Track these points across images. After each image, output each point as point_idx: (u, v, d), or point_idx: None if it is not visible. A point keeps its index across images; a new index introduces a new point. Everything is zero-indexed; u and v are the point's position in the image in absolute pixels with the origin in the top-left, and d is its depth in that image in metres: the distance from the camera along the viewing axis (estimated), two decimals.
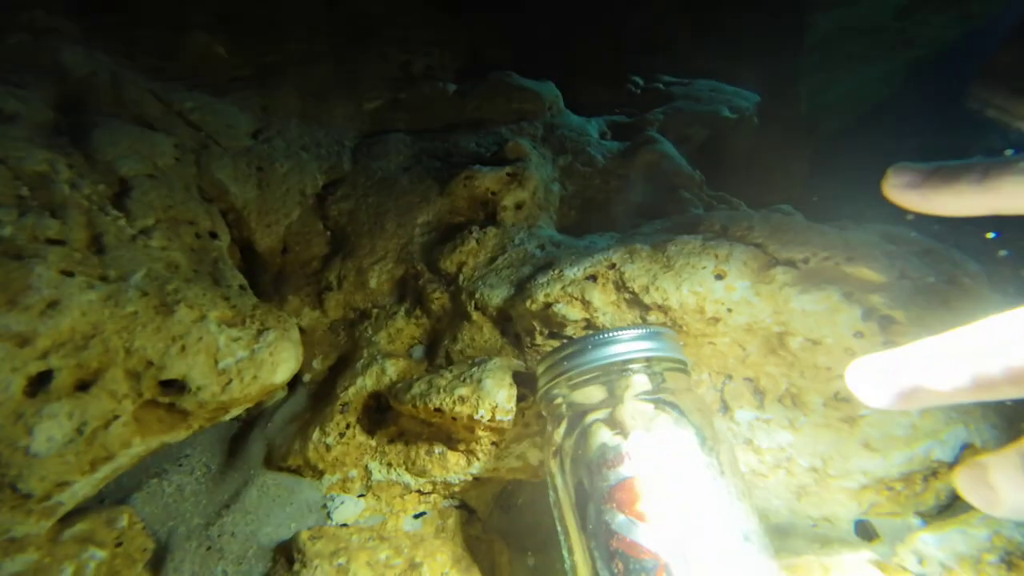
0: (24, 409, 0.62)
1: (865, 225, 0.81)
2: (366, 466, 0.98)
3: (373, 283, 1.13)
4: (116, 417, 0.70)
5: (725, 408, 0.78)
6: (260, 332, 0.87)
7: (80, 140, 0.87)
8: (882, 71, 2.53)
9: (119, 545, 0.76)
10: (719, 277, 0.78)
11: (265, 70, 1.44)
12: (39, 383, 0.65)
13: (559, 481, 0.69)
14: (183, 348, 0.75)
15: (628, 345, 0.66)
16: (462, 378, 0.92)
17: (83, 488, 0.71)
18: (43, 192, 0.73)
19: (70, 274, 0.67)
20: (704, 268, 0.79)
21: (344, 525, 0.88)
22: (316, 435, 0.94)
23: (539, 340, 0.97)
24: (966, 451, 0.65)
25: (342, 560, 0.76)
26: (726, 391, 0.78)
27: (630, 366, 0.65)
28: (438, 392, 0.89)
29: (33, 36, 1.07)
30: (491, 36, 1.98)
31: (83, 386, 0.68)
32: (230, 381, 0.81)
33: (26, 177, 0.73)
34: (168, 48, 1.30)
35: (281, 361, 0.88)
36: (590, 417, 0.67)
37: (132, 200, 0.84)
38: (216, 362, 0.80)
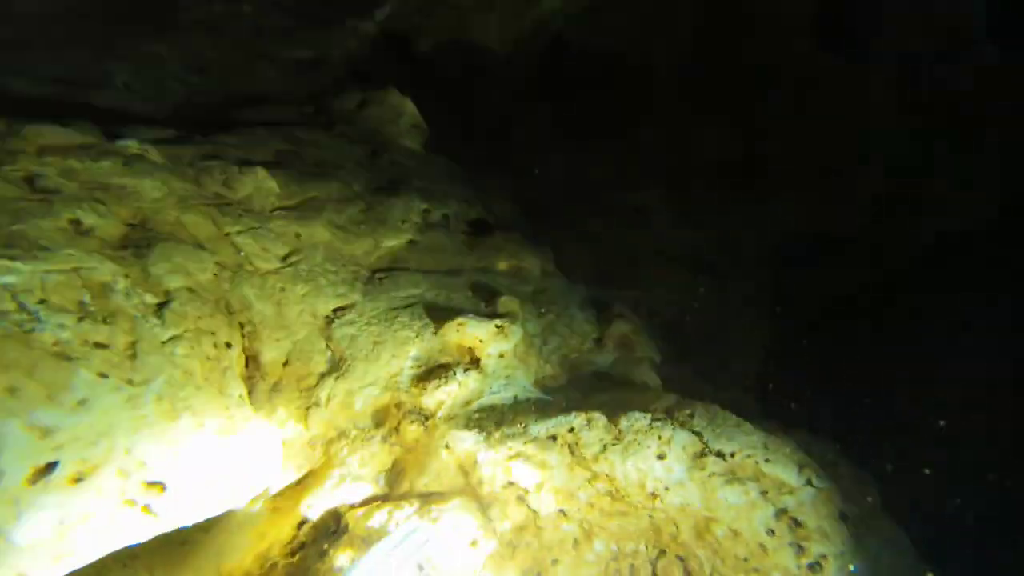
0: (20, 496, 0.69)
1: (789, 431, 0.94)
2: None
3: (359, 406, 1.23)
4: (94, 518, 0.76)
5: None
6: (248, 447, 0.95)
7: (141, 255, 1.04)
8: None
9: None
10: (660, 457, 0.88)
11: (306, 204, 1.68)
12: (44, 472, 0.73)
13: None
14: (176, 455, 0.84)
15: None
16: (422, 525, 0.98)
17: None
18: (102, 300, 0.87)
19: (105, 376, 0.78)
20: (648, 448, 0.90)
21: None
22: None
23: (499, 489, 1.04)
24: None
25: None
26: (658, 566, 0.84)
27: None
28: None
29: (124, 160, 1.31)
30: (502, 195, 2.32)
31: (78, 479, 0.75)
32: (205, 489, 0.88)
33: (92, 286, 0.87)
34: (230, 179, 1.54)
35: (254, 477, 0.95)
36: None
37: (170, 311, 0.98)
38: (196, 471, 0.87)
